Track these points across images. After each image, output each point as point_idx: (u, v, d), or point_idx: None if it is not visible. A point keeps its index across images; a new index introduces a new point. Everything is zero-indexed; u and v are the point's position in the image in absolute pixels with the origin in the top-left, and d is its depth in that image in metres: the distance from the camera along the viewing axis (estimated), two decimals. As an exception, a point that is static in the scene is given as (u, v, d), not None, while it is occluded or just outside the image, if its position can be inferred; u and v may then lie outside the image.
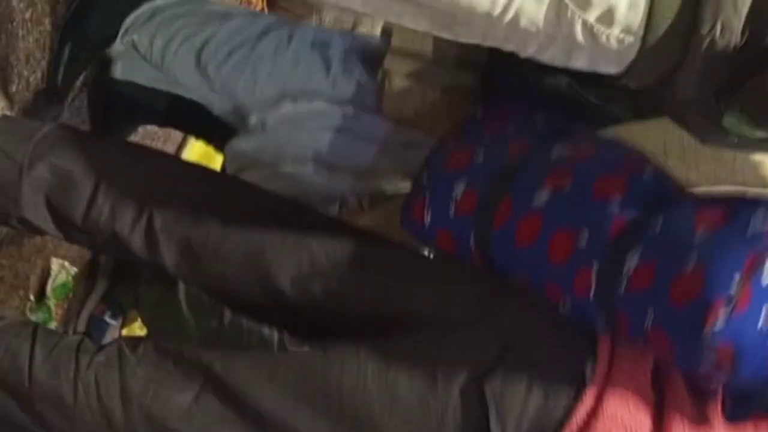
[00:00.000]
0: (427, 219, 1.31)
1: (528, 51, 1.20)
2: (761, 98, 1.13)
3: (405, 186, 1.39)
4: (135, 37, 1.52)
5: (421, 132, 1.43)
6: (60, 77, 1.63)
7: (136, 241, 1.33)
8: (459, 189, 1.28)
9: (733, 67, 1.13)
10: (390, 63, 1.44)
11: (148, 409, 1.20)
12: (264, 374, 1.20)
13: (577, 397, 1.14)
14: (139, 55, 1.53)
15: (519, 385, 1.14)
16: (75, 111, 1.69)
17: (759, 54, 1.12)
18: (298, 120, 1.44)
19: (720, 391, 1.12)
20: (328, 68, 1.45)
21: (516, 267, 1.24)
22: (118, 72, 1.55)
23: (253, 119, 1.45)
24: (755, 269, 1.04)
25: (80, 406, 1.21)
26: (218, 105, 1.50)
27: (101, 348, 1.25)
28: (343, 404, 1.17)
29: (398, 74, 1.44)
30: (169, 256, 1.32)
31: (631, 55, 1.15)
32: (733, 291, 1.03)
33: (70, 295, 1.90)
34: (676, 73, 1.14)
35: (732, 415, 1.13)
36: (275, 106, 1.44)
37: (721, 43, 1.11)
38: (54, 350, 1.24)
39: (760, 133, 1.17)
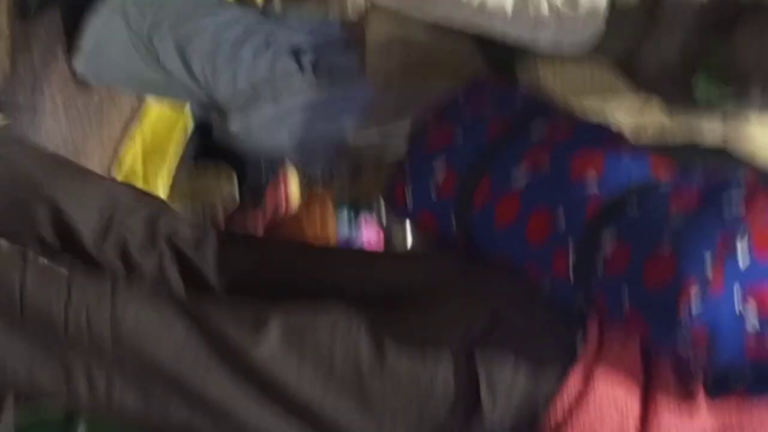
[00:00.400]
0: (410, 201, 1.30)
1: (494, 31, 1.20)
2: (730, 55, 1.12)
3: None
4: (129, 3, 1.52)
5: (412, 86, 1.41)
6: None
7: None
8: (439, 171, 1.27)
9: (699, 31, 1.12)
10: (371, 19, 1.43)
11: (138, 345, 1.20)
12: (255, 325, 1.19)
13: (566, 376, 1.14)
14: (124, 21, 1.52)
15: (508, 359, 1.14)
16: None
17: (724, 15, 1.11)
18: (279, 120, 1.44)
19: (702, 370, 1.11)
20: (302, 70, 1.46)
21: (497, 248, 1.23)
22: (98, 25, 1.53)
23: (235, 121, 1.46)
24: (729, 251, 1.02)
25: (71, 334, 1.21)
26: (196, 94, 1.50)
27: (94, 279, 1.25)
28: (333, 364, 1.17)
29: (380, 29, 1.42)
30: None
31: (596, 32, 1.14)
32: (706, 273, 1.02)
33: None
34: (642, 44, 1.14)
35: (714, 393, 1.13)
36: (256, 106, 1.45)
37: (686, 9, 1.10)
38: (46, 276, 1.24)
39: (730, 94, 1.16)
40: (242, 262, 1.31)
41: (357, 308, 1.20)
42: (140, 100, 1.90)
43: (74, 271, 1.25)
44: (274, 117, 1.46)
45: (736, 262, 1.02)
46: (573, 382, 1.13)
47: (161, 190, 2.03)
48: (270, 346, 1.17)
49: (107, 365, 1.20)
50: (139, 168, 1.98)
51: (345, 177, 1.46)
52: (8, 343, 1.21)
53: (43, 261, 1.25)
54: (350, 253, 1.36)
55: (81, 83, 1.63)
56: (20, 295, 1.21)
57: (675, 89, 1.20)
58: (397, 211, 1.34)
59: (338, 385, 1.17)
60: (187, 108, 1.92)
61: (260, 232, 2.13)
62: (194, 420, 1.19)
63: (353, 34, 1.48)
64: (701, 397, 1.14)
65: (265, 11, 1.73)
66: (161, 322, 1.20)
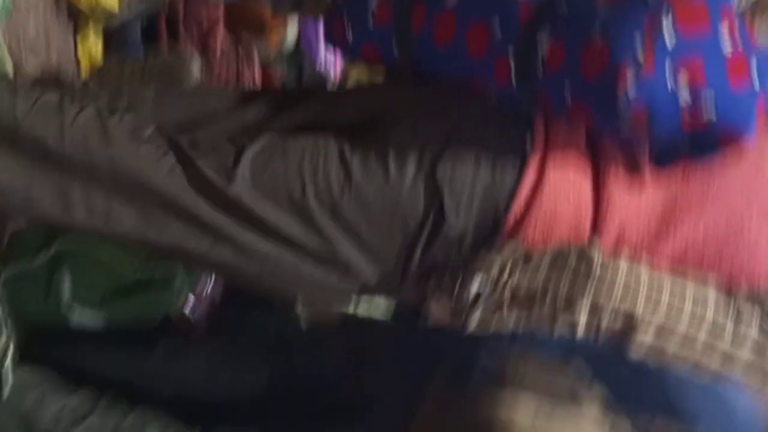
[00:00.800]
0: (350, 36, 1.34)
1: None
2: None
3: None
4: None
5: None
6: None
7: None
8: (374, 1, 1.30)
9: None
10: None
11: (133, 171, 1.24)
12: (231, 159, 1.24)
13: (521, 173, 1.21)
14: None
15: (466, 168, 1.21)
16: None
17: None
18: None
19: (645, 147, 1.19)
20: None
21: (441, 67, 1.28)
22: None
23: None
24: (655, 32, 1.08)
25: (67, 158, 1.24)
26: None
27: (81, 108, 1.28)
28: (304, 190, 1.23)
29: None
30: None
31: None
32: (637, 56, 1.08)
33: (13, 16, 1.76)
34: None
35: (660, 164, 1.21)
36: None
37: None
38: (36, 104, 1.26)
39: None
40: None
41: (324, 136, 1.25)
42: None
43: (64, 98, 1.27)
44: None
45: (664, 40, 1.08)
46: (528, 178, 1.20)
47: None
48: (242, 185, 1.22)
49: (104, 187, 1.24)
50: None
51: (287, 9, 1.45)
52: (6, 163, 1.24)
53: (34, 89, 1.28)
54: (309, 92, 1.39)
55: None
56: (14, 119, 1.24)
57: None
58: (339, 46, 1.37)
59: (312, 210, 1.23)
60: None
61: (220, 14, 2.11)
62: (189, 236, 1.25)
63: None
64: (648, 174, 1.22)
65: None
66: (149, 156, 1.24)
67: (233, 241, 1.24)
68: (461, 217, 1.22)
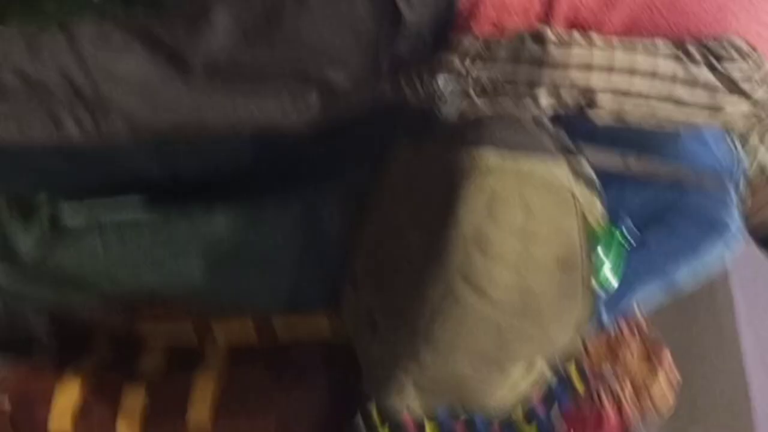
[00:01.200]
0: None
1: None
2: None
3: None
4: None
5: None
6: None
7: None
8: None
9: None
10: None
11: (107, 76, 1.29)
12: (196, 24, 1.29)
13: None
14: None
15: None
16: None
17: None
18: None
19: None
20: None
21: None
22: None
23: None
24: None
25: (50, 85, 1.29)
26: None
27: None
28: (269, 26, 1.28)
29: None
30: None
31: None
32: None
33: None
34: None
35: None
36: None
37: None
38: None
39: None
40: None
41: None
42: None
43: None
44: None
45: None
46: None
47: None
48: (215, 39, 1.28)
49: (90, 105, 1.29)
50: None
51: None
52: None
53: None
54: None
55: None
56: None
57: None
58: None
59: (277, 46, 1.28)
60: None
61: None
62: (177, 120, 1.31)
63: None
64: None
65: None
66: (118, 49, 1.29)
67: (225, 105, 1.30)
68: (416, 12, 1.26)
